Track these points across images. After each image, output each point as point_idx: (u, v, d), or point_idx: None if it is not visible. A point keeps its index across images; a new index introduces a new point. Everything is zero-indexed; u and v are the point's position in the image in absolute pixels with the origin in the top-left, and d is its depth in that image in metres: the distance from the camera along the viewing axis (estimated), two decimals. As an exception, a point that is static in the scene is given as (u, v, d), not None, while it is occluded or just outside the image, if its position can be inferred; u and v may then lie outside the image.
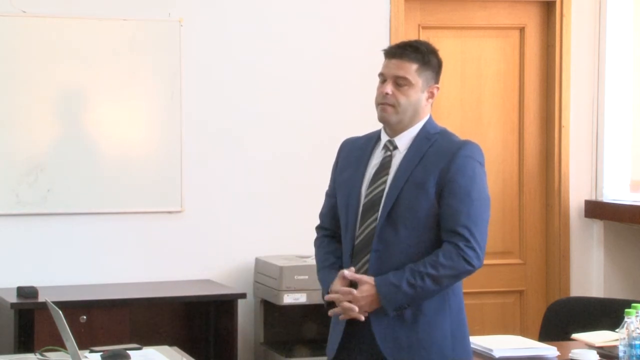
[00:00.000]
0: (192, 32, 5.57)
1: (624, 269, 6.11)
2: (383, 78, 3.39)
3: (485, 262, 3.37)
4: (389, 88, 3.36)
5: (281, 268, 5.19)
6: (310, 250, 3.73)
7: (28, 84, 5.34)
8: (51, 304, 3.27)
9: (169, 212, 5.57)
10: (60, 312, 3.16)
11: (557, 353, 3.82)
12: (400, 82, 3.36)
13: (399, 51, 3.38)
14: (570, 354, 3.76)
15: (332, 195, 3.55)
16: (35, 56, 5.35)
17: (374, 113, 3.43)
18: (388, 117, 3.38)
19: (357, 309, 3.29)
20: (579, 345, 3.94)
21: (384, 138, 3.43)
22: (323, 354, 3.56)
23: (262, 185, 5.68)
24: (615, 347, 3.65)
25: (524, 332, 5.67)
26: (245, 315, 5.52)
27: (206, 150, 5.62)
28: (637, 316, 3.49)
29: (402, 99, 3.36)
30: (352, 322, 3.38)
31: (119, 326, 4.95)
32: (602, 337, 3.99)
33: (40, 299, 4.85)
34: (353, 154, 3.49)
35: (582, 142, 6.12)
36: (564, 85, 6.09)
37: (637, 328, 3.48)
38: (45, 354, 3.78)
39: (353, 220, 3.39)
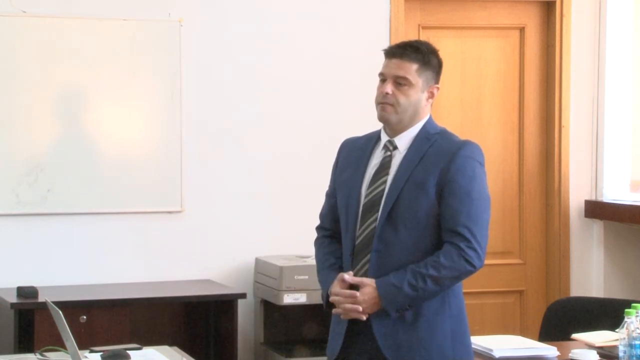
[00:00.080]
0: (192, 32, 5.57)
1: (624, 269, 6.11)
2: (383, 78, 3.39)
3: (485, 262, 3.37)
4: (389, 88, 3.36)
5: (281, 268, 5.19)
6: (310, 250, 3.73)
7: (28, 84, 5.34)
8: (51, 304, 3.27)
9: (169, 212, 5.57)
10: (60, 312, 3.16)
11: (557, 353, 3.82)
12: (400, 82, 3.36)
13: (399, 51, 3.38)
14: (570, 354, 3.76)
15: (332, 196, 3.55)
16: (35, 56, 5.35)
17: (374, 113, 3.43)
18: (388, 116, 3.38)
19: (360, 309, 3.30)
20: (579, 345, 3.94)
21: (384, 138, 3.43)
22: (323, 354, 3.56)
23: (262, 185, 5.68)
24: (615, 347, 3.65)
25: (524, 332, 5.67)
26: (245, 315, 5.52)
27: (206, 150, 5.62)
28: (637, 316, 3.49)
29: (402, 99, 3.36)
30: (353, 323, 3.38)
31: (119, 326, 4.95)
32: (602, 337, 3.99)
33: (40, 299, 4.85)
34: (353, 154, 3.49)
35: (582, 142, 6.12)
36: (564, 85, 6.09)
37: (637, 328, 3.48)
38: (45, 354, 3.78)
39: (353, 221, 3.39)
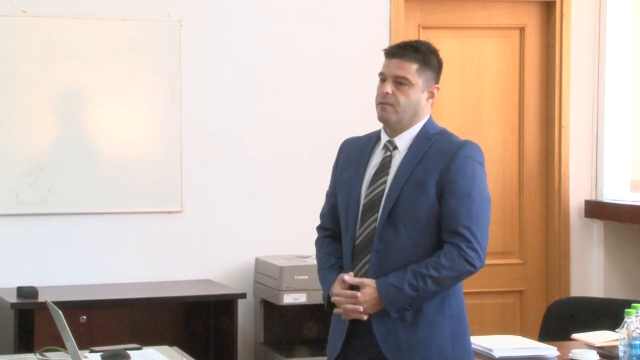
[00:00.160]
0: (192, 32, 5.57)
1: (624, 269, 6.11)
2: (383, 78, 3.39)
3: (486, 262, 3.37)
4: (389, 88, 3.36)
5: (281, 268, 5.19)
6: (310, 250, 3.73)
7: (28, 84, 5.34)
8: (51, 304, 3.27)
9: (169, 212, 5.57)
10: (60, 312, 3.16)
11: (557, 353, 3.82)
12: (400, 82, 3.36)
13: (399, 51, 3.38)
14: (570, 354, 3.76)
15: (332, 196, 3.55)
16: (35, 56, 5.35)
17: (374, 113, 3.43)
18: (388, 116, 3.38)
19: (361, 309, 3.30)
20: (579, 345, 3.94)
21: (384, 138, 3.43)
22: (323, 354, 3.56)
23: (262, 185, 5.68)
24: (615, 347, 3.64)
25: (524, 332, 5.67)
26: (245, 315, 5.52)
27: (206, 150, 5.62)
28: (637, 316, 3.49)
29: (402, 99, 3.36)
30: (353, 323, 3.38)
31: (119, 326, 4.95)
32: (602, 337, 3.99)
33: (40, 299, 4.85)
34: (353, 154, 3.49)
35: (582, 142, 6.12)
36: (564, 85, 6.09)
37: (637, 328, 3.48)
38: (45, 354, 3.78)
39: (353, 221, 3.39)
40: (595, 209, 6.07)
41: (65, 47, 5.39)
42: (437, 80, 3.43)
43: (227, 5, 5.64)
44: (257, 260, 5.50)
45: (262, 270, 5.41)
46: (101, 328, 4.91)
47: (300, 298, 5.17)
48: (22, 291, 5.03)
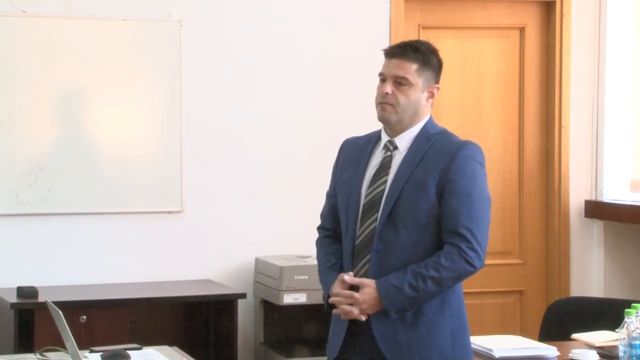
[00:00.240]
0: (192, 32, 5.57)
1: (624, 269, 6.11)
2: (383, 78, 3.39)
3: (485, 262, 3.37)
4: (388, 88, 3.36)
5: (281, 268, 5.19)
6: (310, 250, 3.73)
7: (28, 84, 5.34)
8: (51, 304, 3.27)
9: (169, 212, 5.57)
10: (60, 312, 3.16)
11: (557, 353, 3.82)
12: (400, 82, 3.36)
13: (399, 51, 3.38)
14: (570, 354, 3.76)
15: (332, 196, 3.55)
16: (35, 56, 5.35)
17: (374, 113, 3.43)
18: (388, 116, 3.38)
19: (357, 311, 3.30)
20: (579, 345, 3.94)
21: (384, 138, 3.43)
22: (323, 354, 3.56)
23: (262, 185, 5.68)
24: (615, 347, 3.65)
25: (524, 332, 5.67)
26: (245, 315, 5.52)
27: (206, 150, 5.62)
28: (637, 316, 3.49)
29: (402, 99, 3.36)
30: (352, 323, 3.38)
31: (119, 326, 4.95)
32: (602, 337, 3.99)
33: (40, 299, 4.85)
34: (353, 154, 3.49)
35: (582, 142, 6.12)
36: (564, 85, 6.09)
37: (637, 328, 3.48)
38: (45, 354, 3.78)
39: (353, 221, 3.39)
40: (595, 209, 6.07)
41: (65, 47, 5.39)
42: (437, 80, 3.42)
43: (227, 5, 5.64)
44: (257, 260, 5.50)
45: (262, 270, 5.41)
46: (101, 328, 4.91)
47: (300, 298, 5.17)
48: (22, 291, 5.03)
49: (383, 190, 3.35)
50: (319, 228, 3.60)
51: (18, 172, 5.33)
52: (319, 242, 3.58)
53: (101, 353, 3.70)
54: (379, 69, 3.41)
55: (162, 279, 5.52)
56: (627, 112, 6.10)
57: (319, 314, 5.27)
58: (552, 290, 6.12)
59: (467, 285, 3.51)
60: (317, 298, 4.96)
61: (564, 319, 4.46)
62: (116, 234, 5.49)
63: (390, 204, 3.32)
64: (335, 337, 3.44)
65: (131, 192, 5.48)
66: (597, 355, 3.74)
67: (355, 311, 3.30)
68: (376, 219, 3.34)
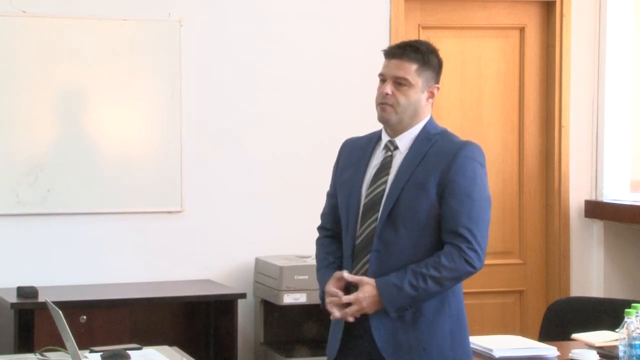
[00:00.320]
0: (192, 32, 5.57)
1: (624, 269, 6.11)
2: (383, 78, 3.39)
3: (485, 262, 3.37)
4: (388, 88, 3.36)
5: (281, 268, 5.19)
6: (310, 250, 3.73)
7: (28, 84, 5.34)
8: (51, 304, 3.27)
9: (169, 212, 5.57)
10: (60, 312, 3.16)
11: (557, 353, 3.82)
12: (400, 83, 3.35)
13: (398, 51, 3.38)
14: (570, 354, 3.76)
15: (332, 196, 3.55)
16: (35, 56, 5.35)
17: (374, 113, 3.43)
18: (388, 117, 3.38)
19: (337, 313, 3.30)
20: (579, 345, 3.94)
21: (385, 138, 3.43)
22: (323, 354, 3.56)
23: (262, 185, 5.68)
24: (615, 347, 3.65)
25: (524, 332, 5.67)
26: (245, 315, 5.52)
27: (206, 150, 5.62)
28: (637, 316, 3.49)
29: (402, 99, 3.36)
30: (351, 323, 3.38)
31: (119, 326, 4.95)
32: (602, 337, 3.99)
33: (40, 299, 4.85)
34: (354, 154, 3.49)
35: (582, 142, 6.12)
36: (564, 85, 6.09)
37: (637, 328, 3.48)
38: (45, 354, 3.78)
39: (353, 221, 3.39)
40: (595, 209, 6.07)
41: (65, 47, 5.39)
42: (437, 80, 3.42)
43: (227, 5, 5.64)
44: (257, 260, 5.50)
45: (262, 270, 5.41)
46: (101, 328, 4.91)
47: (300, 298, 5.16)
48: (22, 291, 5.03)
49: (383, 190, 3.35)
50: (319, 228, 3.61)
51: (18, 172, 5.33)
52: (318, 242, 3.59)
53: (101, 353, 3.70)
54: (379, 69, 3.41)
55: (162, 279, 5.52)
56: (627, 112, 6.10)
57: (319, 314, 5.26)
58: (552, 290, 6.12)
59: (467, 285, 3.51)
60: (317, 298, 4.94)
61: (564, 319, 4.46)
62: (116, 234, 5.49)
63: (390, 203, 3.32)
64: (335, 337, 3.44)
65: (131, 192, 5.48)
66: (597, 355, 3.74)
67: (336, 313, 3.29)
68: (376, 218, 3.34)
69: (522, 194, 6.15)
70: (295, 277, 5.16)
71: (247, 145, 5.67)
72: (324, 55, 5.77)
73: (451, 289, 3.34)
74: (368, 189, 3.39)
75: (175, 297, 5.27)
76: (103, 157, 5.46)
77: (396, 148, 3.40)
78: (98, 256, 5.46)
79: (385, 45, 3.84)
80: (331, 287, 3.35)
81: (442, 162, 3.32)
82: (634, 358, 3.48)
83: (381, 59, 3.43)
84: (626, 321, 3.50)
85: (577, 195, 6.13)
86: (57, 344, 3.68)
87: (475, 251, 3.28)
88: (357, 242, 3.38)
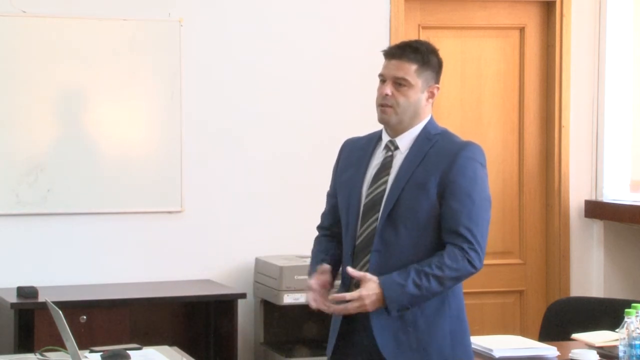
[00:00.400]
0: (192, 32, 5.57)
1: (624, 269, 6.11)
2: (382, 79, 3.39)
3: (485, 262, 3.37)
4: (388, 89, 3.36)
5: (281, 268, 5.19)
6: (310, 250, 3.73)
7: (28, 84, 5.34)
8: (51, 304, 3.27)
9: (169, 212, 5.57)
10: (60, 312, 3.16)
11: (557, 353, 3.82)
12: (399, 83, 3.35)
13: (398, 52, 3.38)
14: (570, 354, 3.77)
15: (332, 195, 3.55)
16: (35, 56, 5.35)
17: (374, 113, 3.42)
18: (388, 118, 3.38)
19: (313, 304, 3.36)
20: (579, 345, 3.94)
21: (385, 138, 3.43)
22: (323, 354, 3.56)
23: (262, 185, 5.69)
24: (615, 347, 3.65)
25: (524, 332, 5.67)
26: (245, 315, 5.52)
27: (206, 150, 5.62)
28: (637, 316, 3.49)
29: (402, 100, 3.36)
30: (350, 322, 3.38)
31: (119, 326, 4.95)
32: (602, 337, 3.99)
33: (40, 299, 4.85)
34: (354, 154, 3.49)
35: (582, 142, 6.12)
36: (564, 85, 6.09)
37: (637, 328, 3.48)
38: (45, 354, 3.78)
39: (354, 221, 3.39)
40: (595, 209, 6.07)
41: (65, 47, 5.39)
42: (437, 80, 3.42)
43: (227, 5, 5.64)
44: (257, 260, 5.50)
45: (262, 270, 5.41)
46: (101, 328, 4.91)
47: (300, 298, 5.16)
48: (22, 291, 5.03)
49: (384, 190, 3.35)
50: (318, 227, 3.62)
51: (18, 172, 5.33)
52: (315, 240, 3.60)
53: (101, 353, 3.70)
54: (379, 69, 3.40)
55: (162, 279, 5.52)
56: (627, 112, 6.10)
57: (319, 314, 5.26)
58: (552, 290, 6.12)
59: (467, 285, 3.51)
60: (317, 298, 4.94)
61: (564, 319, 4.46)
62: (116, 234, 5.49)
63: (390, 204, 3.32)
64: (334, 336, 3.44)
65: (131, 192, 5.48)
66: (597, 355, 3.74)
67: (312, 304, 3.36)
68: (377, 218, 3.34)
69: (522, 194, 6.15)
70: (295, 277, 5.16)
71: (247, 145, 5.67)
72: (324, 55, 5.77)
73: (451, 289, 3.34)
74: (368, 189, 3.39)
75: (175, 297, 5.27)
76: (103, 157, 5.46)
77: (397, 148, 3.40)
78: (98, 256, 5.46)
79: (385, 45, 3.84)
80: (312, 281, 3.37)
81: (442, 162, 3.32)
82: (634, 358, 3.48)
83: (381, 59, 3.42)
84: (626, 321, 3.50)
85: (577, 195, 6.13)
86: (57, 344, 3.68)
87: (477, 252, 3.28)
88: (358, 242, 3.38)
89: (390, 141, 3.41)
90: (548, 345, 3.90)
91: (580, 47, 6.10)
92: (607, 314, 4.26)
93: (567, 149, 6.11)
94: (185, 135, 5.57)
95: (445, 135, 3.41)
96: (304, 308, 5.27)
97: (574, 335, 4.08)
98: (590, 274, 6.12)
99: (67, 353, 3.47)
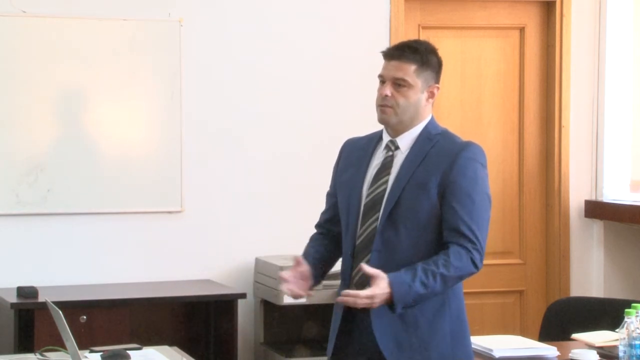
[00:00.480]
0: (192, 32, 5.57)
1: (624, 269, 6.11)
2: (382, 80, 3.39)
3: (485, 262, 3.37)
4: (387, 90, 3.36)
5: (281, 268, 5.17)
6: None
7: (28, 84, 5.34)
8: (51, 304, 3.28)
9: (169, 212, 5.57)
10: (60, 312, 3.16)
11: (557, 353, 3.82)
12: (399, 84, 3.35)
13: (397, 52, 3.38)
14: (570, 354, 3.77)
15: (332, 195, 3.55)
16: (35, 56, 5.35)
17: (374, 113, 3.42)
18: (387, 118, 3.38)
19: (288, 292, 3.38)
20: (579, 345, 3.94)
21: (386, 138, 3.43)
22: (323, 354, 3.56)
23: (262, 185, 5.69)
24: (615, 347, 3.65)
25: (524, 332, 5.67)
26: (245, 315, 5.52)
27: (206, 150, 5.62)
28: (637, 316, 3.49)
29: (401, 100, 3.36)
30: (351, 322, 3.38)
31: (119, 326, 4.95)
32: (602, 337, 3.99)
33: (40, 299, 4.85)
34: (354, 154, 3.49)
35: (582, 142, 6.12)
36: (564, 85, 6.09)
37: (637, 328, 3.48)
38: (45, 354, 3.78)
39: (354, 220, 3.39)
40: (595, 209, 6.07)
41: (65, 47, 5.39)
42: (437, 80, 3.41)
43: (227, 5, 5.64)
44: (257, 260, 5.50)
45: (262, 270, 5.41)
46: (101, 328, 4.91)
47: (300, 298, 5.15)
48: (22, 291, 5.03)
49: (384, 190, 3.35)
50: (316, 225, 3.63)
51: (18, 172, 5.33)
52: (310, 238, 3.60)
53: (101, 353, 3.70)
54: (379, 69, 3.40)
55: (162, 279, 5.52)
56: (627, 112, 6.10)
57: (319, 314, 5.27)
58: (552, 290, 6.12)
59: (467, 285, 3.51)
60: (317, 298, 4.96)
61: (564, 319, 4.46)
62: (116, 234, 5.49)
63: (391, 203, 3.32)
64: (335, 336, 3.44)
65: (131, 192, 5.48)
66: (597, 355, 3.74)
67: (288, 292, 3.38)
68: (377, 218, 3.34)
69: (522, 194, 6.15)
70: (295, 277, 5.14)
71: (247, 145, 5.67)
72: (324, 55, 5.77)
73: (452, 289, 3.34)
74: (369, 188, 3.39)
75: (175, 297, 5.27)
76: (103, 157, 5.46)
77: (397, 148, 3.40)
78: (98, 256, 5.46)
79: (385, 45, 3.84)
80: (282, 273, 3.41)
81: (443, 162, 3.32)
82: (634, 358, 3.48)
83: (381, 59, 3.42)
84: (626, 321, 3.50)
85: (577, 195, 6.13)
86: (57, 344, 3.68)
87: (479, 252, 3.29)
88: (358, 241, 3.38)
89: (391, 141, 3.41)
90: (548, 345, 3.90)
91: (580, 47, 6.10)
92: (607, 314, 4.26)
93: (567, 149, 6.11)
94: (185, 135, 5.57)
95: (446, 135, 3.41)
96: (304, 308, 5.30)
97: (574, 335, 4.08)
98: (590, 274, 6.12)
99: (67, 353, 3.47)
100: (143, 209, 5.52)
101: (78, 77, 5.42)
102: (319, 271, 3.50)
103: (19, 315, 4.90)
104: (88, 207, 5.44)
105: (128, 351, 3.71)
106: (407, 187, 3.32)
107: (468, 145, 3.37)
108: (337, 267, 3.53)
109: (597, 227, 6.13)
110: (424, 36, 5.87)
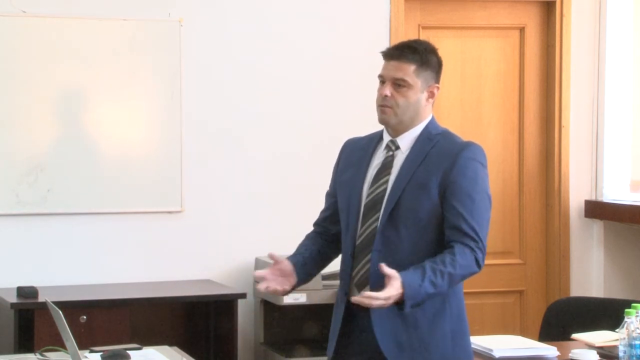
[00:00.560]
0: (192, 32, 5.57)
1: (624, 269, 6.11)
2: (382, 80, 3.39)
3: (485, 262, 3.36)
4: (387, 90, 3.35)
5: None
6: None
7: (28, 84, 5.34)
8: (51, 304, 3.28)
9: (169, 212, 5.57)
10: (60, 312, 3.16)
11: (557, 353, 3.83)
12: (398, 84, 3.35)
13: (396, 53, 3.37)
14: (570, 354, 3.77)
15: (331, 195, 3.55)
16: (35, 56, 5.35)
17: (374, 113, 3.42)
18: (387, 119, 3.38)
19: (263, 289, 3.40)
20: (579, 345, 3.94)
21: (386, 138, 3.43)
22: (323, 354, 3.56)
23: (262, 185, 5.69)
24: (615, 347, 3.65)
25: (524, 332, 5.67)
26: (245, 315, 5.52)
27: (206, 150, 5.62)
28: (637, 316, 3.50)
29: (401, 101, 3.35)
30: (351, 322, 3.38)
31: (119, 326, 4.95)
32: (602, 337, 3.99)
33: (40, 299, 4.85)
34: (355, 154, 3.49)
35: (582, 142, 6.12)
36: (564, 85, 6.09)
37: (637, 328, 3.48)
38: (45, 354, 3.78)
39: (354, 220, 3.39)
40: (595, 209, 6.07)
41: (65, 47, 5.39)
42: (437, 80, 3.41)
43: (227, 5, 5.64)
44: (257, 260, 5.50)
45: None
46: (101, 328, 4.91)
47: (300, 298, 5.16)
48: (22, 291, 5.03)
49: (385, 190, 3.35)
50: (314, 224, 3.62)
51: (18, 172, 5.33)
52: (307, 235, 3.60)
53: (101, 353, 3.71)
54: (379, 69, 3.40)
55: (162, 279, 5.52)
56: (627, 112, 6.10)
57: (319, 314, 5.27)
58: (552, 290, 6.12)
59: (467, 285, 3.51)
60: (317, 298, 4.96)
61: (564, 319, 4.47)
62: (116, 234, 5.49)
63: (391, 203, 3.31)
64: (335, 336, 3.44)
65: (131, 192, 5.49)
66: (597, 355, 3.74)
67: (264, 289, 3.39)
68: (377, 218, 3.34)
69: (522, 194, 6.15)
70: (295, 277, 5.14)
71: (247, 145, 5.68)
72: (324, 55, 5.77)
73: (452, 289, 3.34)
74: (369, 188, 3.39)
75: (175, 297, 5.27)
76: (103, 157, 5.46)
77: (397, 148, 3.40)
78: (98, 256, 5.46)
79: (385, 45, 3.84)
80: (257, 271, 3.45)
81: (443, 162, 3.32)
82: (634, 358, 3.48)
83: (381, 59, 3.42)
84: (626, 321, 3.50)
85: (577, 195, 6.13)
86: (57, 344, 3.68)
87: (482, 251, 3.29)
88: (358, 241, 3.38)
89: (391, 141, 3.41)
90: (548, 345, 3.90)
91: (580, 47, 6.10)
92: (607, 314, 4.26)
93: (567, 149, 6.11)
94: (185, 135, 5.57)
95: (446, 135, 3.41)
96: (304, 308, 5.30)
97: (574, 335, 4.08)
98: (590, 274, 6.12)
99: (67, 353, 3.47)
100: (143, 209, 5.52)
101: (78, 77, 5.42)
102: (306, 269, 3.50)
103: (19, 315, 4.90)
104: (88, 207, 5.44)
105: (128, 351, 3.71)
106: (407, 187, 3.32)
107: (468, 145, 3.37)
108: (337, 267, 3.53)
109: (597, 227, 6.13)
110: (424, 36, 5.87)
